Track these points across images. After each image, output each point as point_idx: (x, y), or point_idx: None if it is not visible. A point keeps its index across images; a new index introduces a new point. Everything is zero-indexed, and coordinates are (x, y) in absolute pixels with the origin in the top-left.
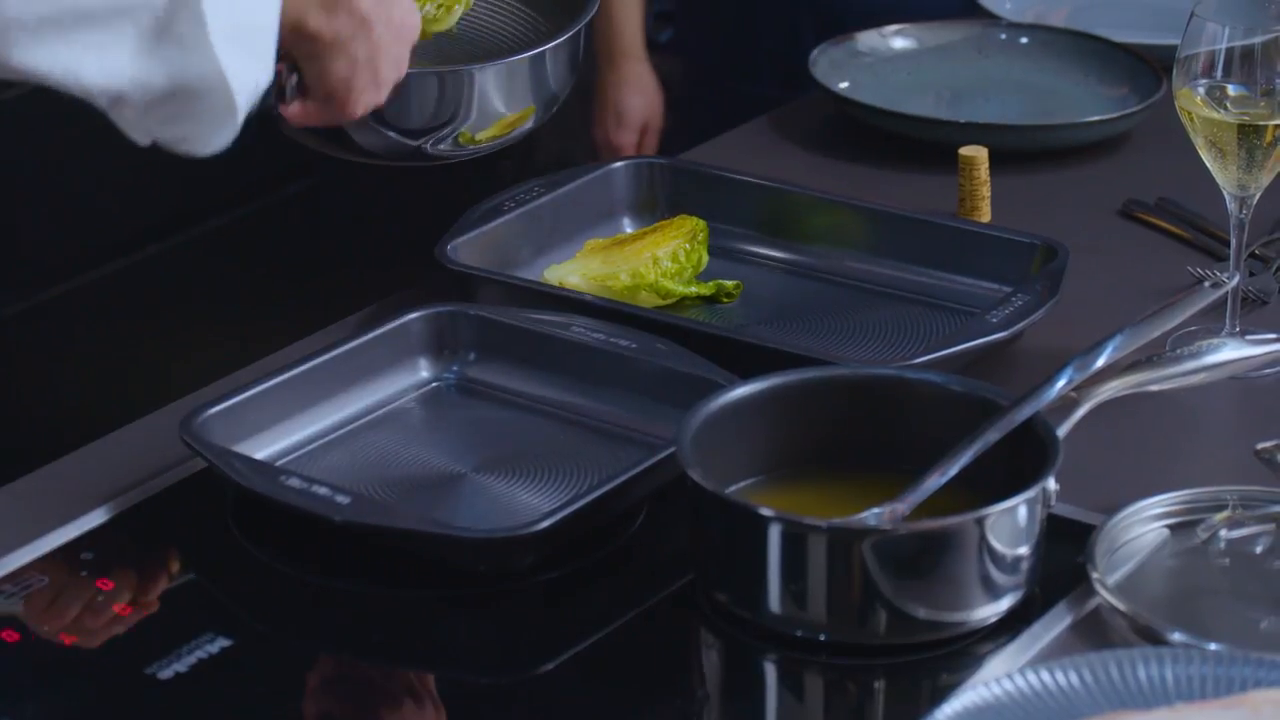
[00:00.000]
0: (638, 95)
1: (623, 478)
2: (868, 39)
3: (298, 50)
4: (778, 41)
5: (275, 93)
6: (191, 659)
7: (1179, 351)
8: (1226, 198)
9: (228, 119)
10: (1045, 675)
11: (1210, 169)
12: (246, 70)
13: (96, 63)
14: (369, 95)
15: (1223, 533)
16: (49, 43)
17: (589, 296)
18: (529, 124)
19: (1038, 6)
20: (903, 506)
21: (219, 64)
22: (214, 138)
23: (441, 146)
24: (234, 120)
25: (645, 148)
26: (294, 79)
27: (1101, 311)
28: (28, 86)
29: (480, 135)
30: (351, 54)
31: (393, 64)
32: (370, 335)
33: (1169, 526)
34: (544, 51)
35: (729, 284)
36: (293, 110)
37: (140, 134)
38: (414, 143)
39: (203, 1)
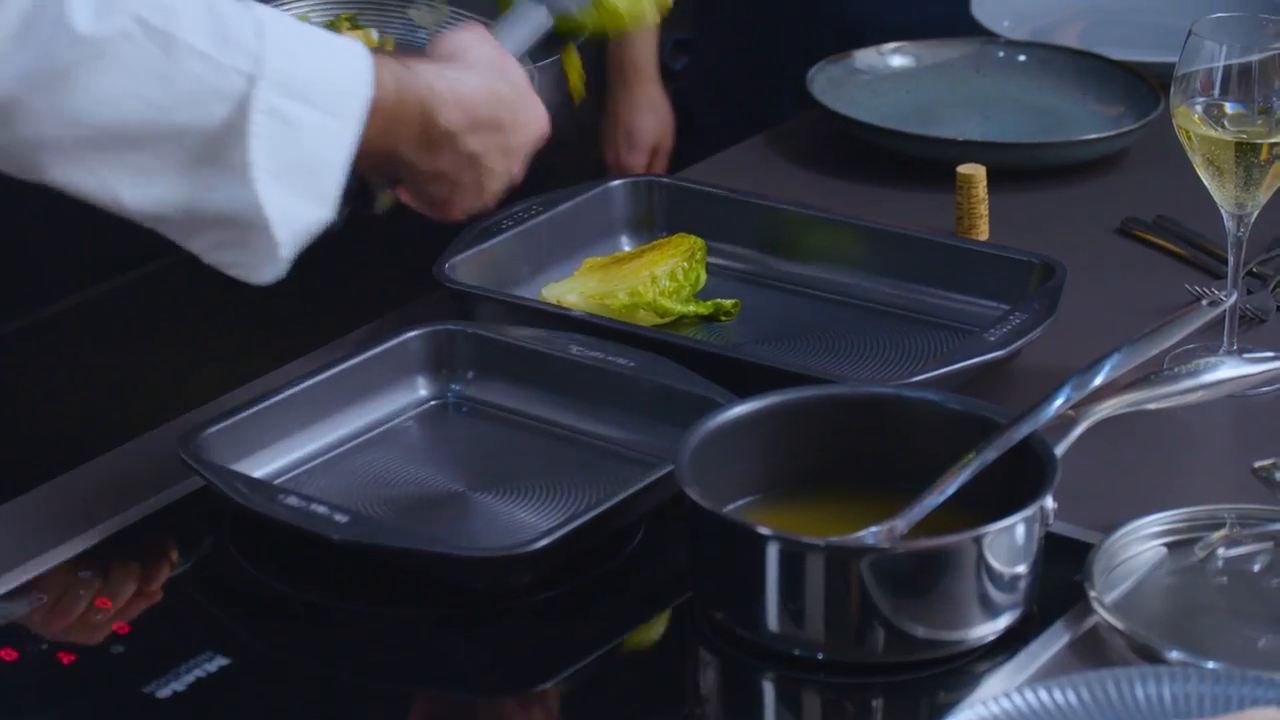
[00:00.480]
0: (649, 116)
1: (620, 496)
2: (866, 57)
3: (394, 172)
4: (797, 64)
5: (361, 197)
6: (190, 678)
7: (1177, 370)
8: (1224, 216)
9: (272, 254)
10: (1043, 694)
11: (1208, 187)
12: (294, 209)
13: (136, 185)
14: (472, 205)
15: (1220, 551)
16: (88, 163)
17: (587, 315)
18: None
19: (1035, 22)
20: (901, 525)
21: (259, 200)
22: (262, 269)
23: None
24: (279, 257)
25: (655, 169)
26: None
27: (1099, 330)
28: None
29: None
30: (454, 180)
31: (504, 178)
32: (368, 354)
33: (1167, 545)
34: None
35: (727, 303)
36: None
37: (186, 245)
38: None
39: (252, 127)
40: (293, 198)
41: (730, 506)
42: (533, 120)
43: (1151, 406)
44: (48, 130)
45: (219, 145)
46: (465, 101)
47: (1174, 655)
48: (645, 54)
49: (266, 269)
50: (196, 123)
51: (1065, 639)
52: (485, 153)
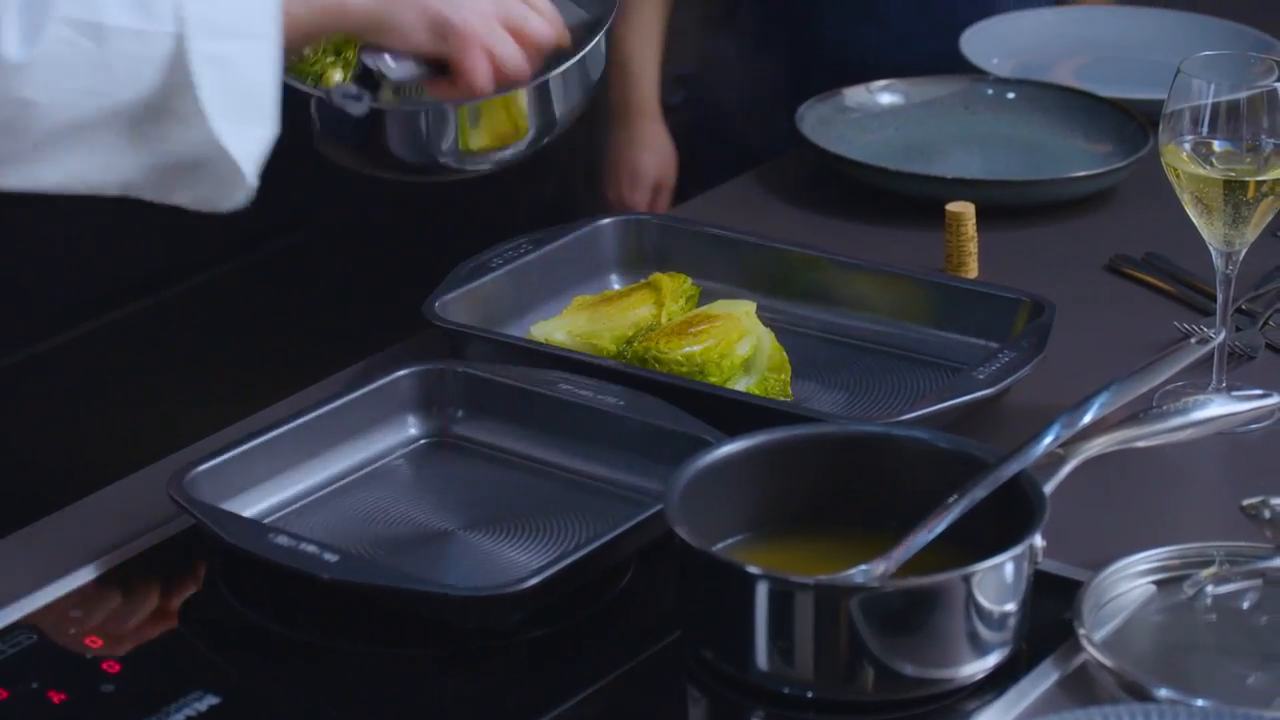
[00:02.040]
0: (651, 154)
1: (610, 535)
2: (855, 95)
3: (376, 37)
4: (793, 101)
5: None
6: (180, 717)
7: (1166, 407)
8: (1213, 253)
9: (239, 182)
10: None
11: (1197, 225)
12: (249, 136)
13: (101, 164)
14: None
15: (1209, 588)
16: (50, 160)
17: (576, 353)
18: (524, 143)
19: (1024, 59)
20: (890, 564)
21: (219, 141)
22: (230, 197)
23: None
24: (245, 183)
25: (658, 206)
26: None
27: (1088, 367)
28: None
29: (474, 144)
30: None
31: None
32: (358, 392)
33: (1156, 582)
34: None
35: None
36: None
37: (157, 199)
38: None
39: (196, 79)
40: (245, 126)
41: (719, 545)
42: None
43: (1140, 444)
44: (6, 148)
45: (168, 104)
46: None
47: (1163, 693)
48: (647, 90)
49: (237, 196)
50: (141, 93)
51: (1054, 677)
52: None
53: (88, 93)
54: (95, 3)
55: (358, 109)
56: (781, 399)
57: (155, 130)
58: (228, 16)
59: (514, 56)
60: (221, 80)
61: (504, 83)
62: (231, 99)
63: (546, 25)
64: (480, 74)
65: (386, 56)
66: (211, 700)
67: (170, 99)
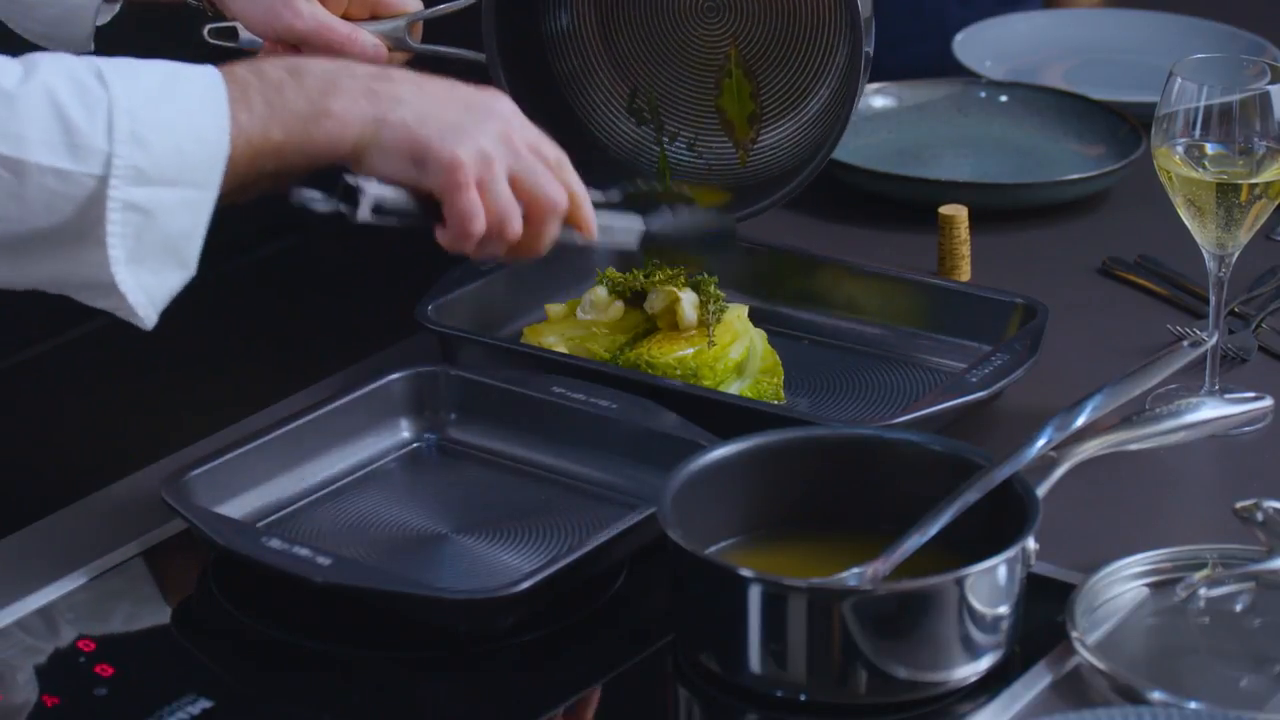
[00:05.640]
0: None
1: (603, 538)
2: None
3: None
4: None
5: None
6: None
7: (1158, 410)
8: (1206, 256)
9: (137, 319)
10: None
11: (1189, 227)
12: (153, 284)
13: (2, 271)
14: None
15: (1202, 591)
16: None
17: (569, 357)
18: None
19: (1017, 62)
20: (883, 567)
21: (115, 284)
22: (133, 320)
23: None
24: (143, 322)
25: None
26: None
27: (1081, 370)
28: None
29: None
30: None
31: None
32: (351, 396)
33: (1149, 585)
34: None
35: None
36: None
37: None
38: None
39: (109, 223)
40: (151, 275)
41: (712, 548)
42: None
43: (1133, 447)
44: None
45: (77, 237)
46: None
47: (1156, 696)
48: None
49: (137, 321)
50: (53, 223)
51: (1047, 680)
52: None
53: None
54: (24, 140)
55: (322, 208)
56: (774, 402)
57: (60, 252)
58: (161, 164)
59: (505, 209)
60: (135, 226)
61: (502, 242)
62: (142, 245)
63: (563, 189)
64: (471, 219)
65: (365, 187)
66: (204, 704)
67: (80, 234)
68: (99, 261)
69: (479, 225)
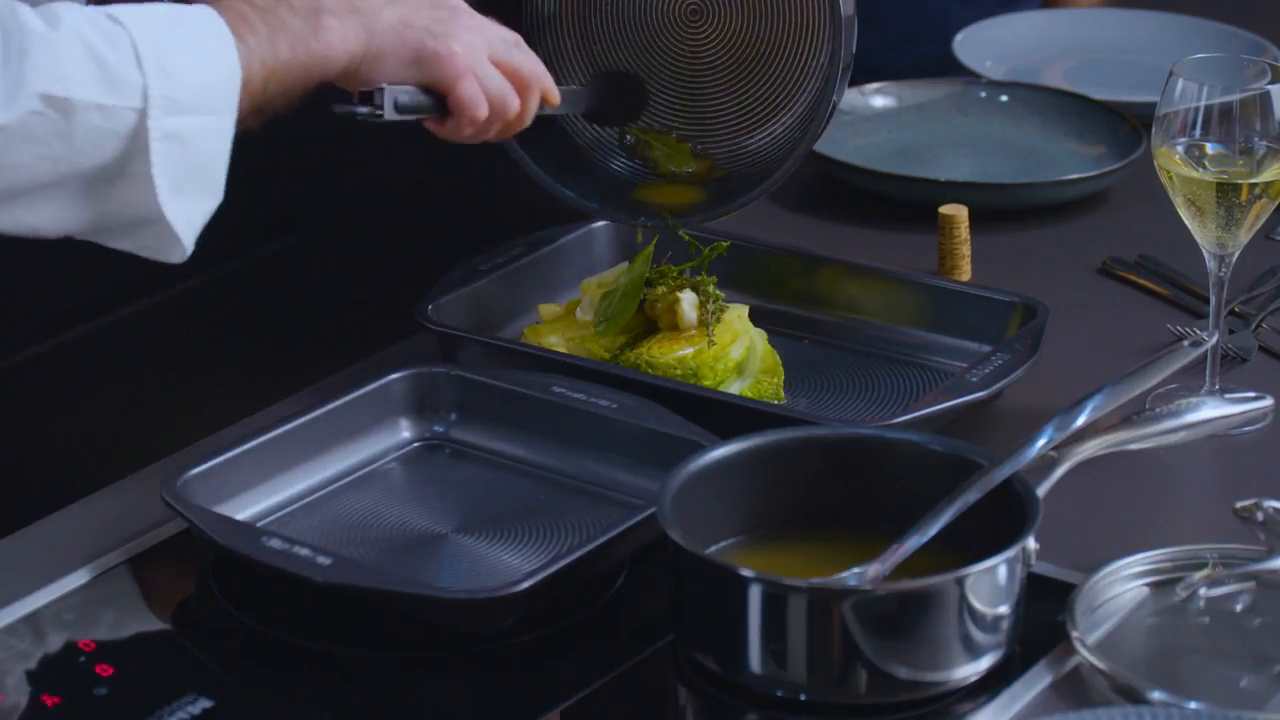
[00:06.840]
0: None
1: (603, 538)
2: (848, 97)
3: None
4: None
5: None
6: None
7: (1159, 410)
8: (1206, 256)
9: (177, 245)
10: None
11: (1189, 227)
12: (192, 209)
13: (50, 216)
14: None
15: (1202, 591)
16: (3, 211)
17: (569, 357)
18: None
19: (1017, 62)
20: (883, 567)
21: (162, 213)
22: (170, 253)
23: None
24: (183, 248)
25: None
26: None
27: (1081, 370)
28: None
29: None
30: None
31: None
32: (351, 396)
33: (1149, 585)
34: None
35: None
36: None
37: (100, 242)
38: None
39: (152, 153)
40: (190, 203)
41: (713, 548)
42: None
43: (1133, 447)
44: None
45: (122, 171)
46: None
47: (1156, 695)
48: None
49: (174, 253)
50: (99, 160)
51: (1047, 679)
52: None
53: (49, 159)
54: (67, 77)
55: (361, 110)
56: (774, 402)
57: (105, 191)
58: (189, 93)
59: (502, 88)
60: (175, 155)
61: (502, 119)
62: (181, 173)
63: (536, 62)
64: (477, 103)
65: (385, 86)
66: (205, 703)
67: (125, 168)
68: (145, 195)
69: (483, 109)
